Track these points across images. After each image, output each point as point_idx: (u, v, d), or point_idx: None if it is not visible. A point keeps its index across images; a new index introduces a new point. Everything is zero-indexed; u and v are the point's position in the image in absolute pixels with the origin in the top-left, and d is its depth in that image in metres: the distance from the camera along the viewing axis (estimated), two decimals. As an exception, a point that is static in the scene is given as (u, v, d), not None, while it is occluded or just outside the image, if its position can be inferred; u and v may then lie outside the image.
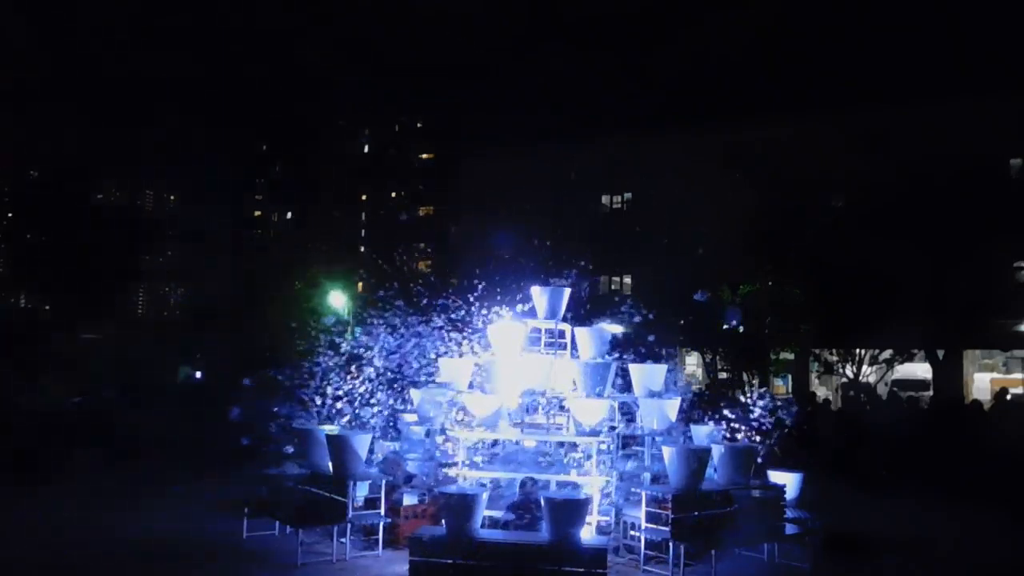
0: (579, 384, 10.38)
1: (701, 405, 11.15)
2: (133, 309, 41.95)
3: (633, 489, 9.62)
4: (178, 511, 10.97)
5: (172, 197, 46.70)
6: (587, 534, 8.53)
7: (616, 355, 10.85)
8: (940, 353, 24.87)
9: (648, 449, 10.02)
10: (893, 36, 31.11)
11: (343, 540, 8.97)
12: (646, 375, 10.46)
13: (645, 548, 8.75)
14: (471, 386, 10.60)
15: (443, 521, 8.32)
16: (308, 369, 10.67)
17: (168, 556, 8.95)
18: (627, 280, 33.87)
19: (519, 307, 11.53)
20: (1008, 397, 17.85)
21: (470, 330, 11.36)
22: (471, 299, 11.57)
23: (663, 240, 26.34)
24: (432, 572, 7.87)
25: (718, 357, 25.55)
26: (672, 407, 10.14)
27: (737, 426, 10.27)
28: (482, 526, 8.32)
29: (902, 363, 25.75)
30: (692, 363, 30.16)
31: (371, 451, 9.75)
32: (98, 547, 9.22)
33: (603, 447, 9.67)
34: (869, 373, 25.23)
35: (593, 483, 9.39)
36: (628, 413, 10.59)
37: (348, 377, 10.72)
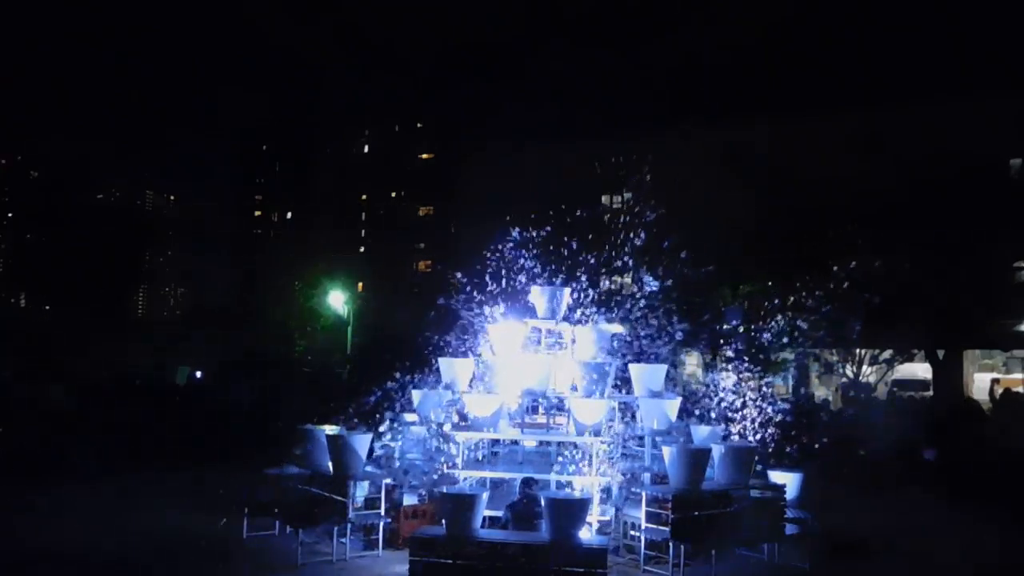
0: (579, 384, 10.37)
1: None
2: (133, 309, 41.99)
3: (633, 489, 9.61)
4: (178, 511, 10.95)
5: (172, 197, 46.75)
6: (587, 534, 8.53)
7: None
8: (940, 353, 24.85)
9: (648, 449, 10.01)
10: (893, 36, 31.09)
11: (343, 540, 8.96)
12: (646, 375, 10.45)
13: (645, 548, 8.74)
14: (471, 386, 10.59)
15: (443, 521, 8.32)
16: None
17: (168, 555, 8.95)
18: (627, 280, 33.77)
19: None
20: (998, 385, 17.84)
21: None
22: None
23: (663, 240, 26.25)
24: (432, 572, 7.87)
25: (719, 357, 25.48)
26: (672, 407, 10.12)
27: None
28: (482, 526, 8.33)
29: (902, 363, 25.73)
30: (692, 363, 30.08)
31: (371, 451, 9.75)
32: (98, 547, 9.21)
33: (603, 447, 9.66)
34: (869, 373, 25.20)
35: (593, 483, 9.39)
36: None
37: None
